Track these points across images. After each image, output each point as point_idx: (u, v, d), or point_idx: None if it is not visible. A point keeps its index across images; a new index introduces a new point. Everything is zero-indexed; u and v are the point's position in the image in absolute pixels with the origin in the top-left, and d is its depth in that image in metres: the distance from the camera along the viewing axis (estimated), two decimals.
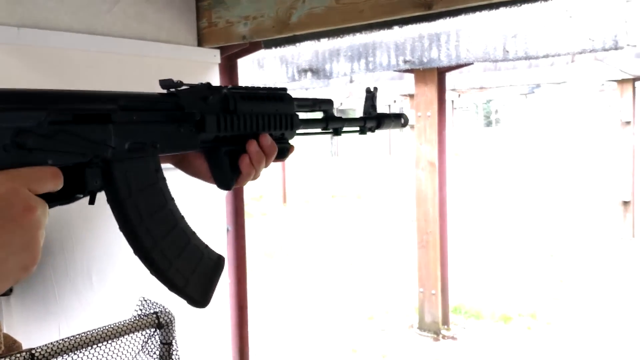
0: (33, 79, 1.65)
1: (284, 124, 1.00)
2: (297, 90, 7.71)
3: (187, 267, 0.80)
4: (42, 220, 0.58)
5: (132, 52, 1.91)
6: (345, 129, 1.15)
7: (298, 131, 1.05)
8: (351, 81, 8.57)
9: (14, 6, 1.63)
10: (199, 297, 0.81)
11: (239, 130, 0.92)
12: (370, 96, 1.17)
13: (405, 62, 4.76)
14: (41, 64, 1.68)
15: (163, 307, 1.14)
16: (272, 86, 1.02)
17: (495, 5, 2.08)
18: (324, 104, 1.10)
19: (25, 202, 0.56)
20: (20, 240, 0.56)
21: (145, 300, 1.14)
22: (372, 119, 1.17)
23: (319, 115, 1.13)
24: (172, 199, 0.80)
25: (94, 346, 1.04)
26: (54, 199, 0.64)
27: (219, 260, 0.86)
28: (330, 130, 1.13)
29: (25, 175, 0.58)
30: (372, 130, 1.19)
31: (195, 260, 0.81)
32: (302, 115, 1.06)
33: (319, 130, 1.12)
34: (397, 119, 1.22)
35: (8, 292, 0.60)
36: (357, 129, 1.17)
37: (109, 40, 1.84)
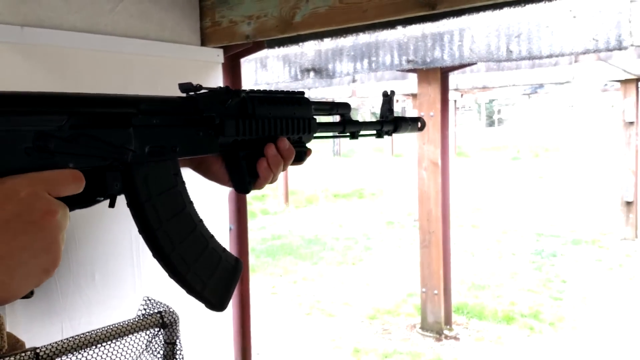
0: (37, 78, 1.65)
1: (302, 128, 1.00)
2: (300, 89, 7.69)
3: (205, 271, 0.80)
4: (62, 223, 0.59)
5: (135, 51, 1.91)
6: (362, 132, 1.15)
7: (316, 134, 1.05)
8: (354, 81, 8.57)
9: (18, 5, 1.63)
10: (217, 300, 0.81)
11: (257, 134, 0.92)
12: (387, 100, 1.17)
13: (408, 61, 4.75)
14: (45, 63, 1.68)
15: (167, 306, 1.14)
16: (291, 90, 1.02)
17: (499, 6, 2.08)
18: (342, 108, 1.11)
19: (46, 206, 0.57)
20: (41, 243, 0.56)
21: (149, 300, 1.14)
22: (389, 123, 1.17)
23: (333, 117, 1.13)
24: (191, 203, 0.80)
25: (98, 345, 1.04)
26: (74, 202, 0.65)
27: (236, 264, 0.86)
28: (347, 134, 1.13)
29: (46, 179, 0.58)
30: (389, 133, 1.19)
31: (213, 263, 0.82)
32: (320, 119, 1.07)
33: (336, 133, 1.12)
34: (414, 123, 1.21)
35: (29, 295, 0.60)
36: (374, 132, 1.17)
37: (113, 40, 1.85)
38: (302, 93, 1.03)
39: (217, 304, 0.81)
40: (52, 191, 0.58)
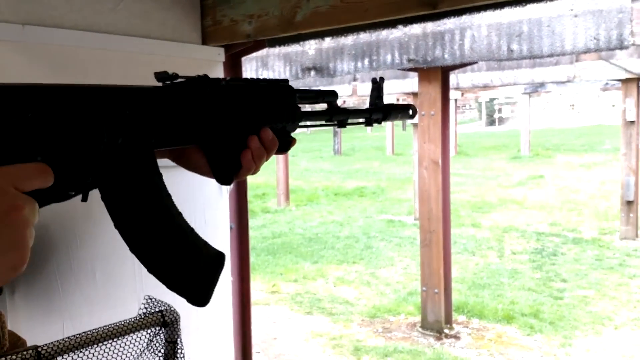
0: (38, 76, 1.65)
1: (285, 116, 0.97)
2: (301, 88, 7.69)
3: (185, 265, 0.77)
4: (30, 219, 0.56)
5: (136, 50, 1.91)
6: (350, 120, 1.11)
7: (301, 123, 1.02)
8: (355, 79, 8.57)
9: (19, 4, 1.63)
10: (199, 295, 0.78)
11: (238, 123, 0.89)
12: (377, 87, 1.13)
13: (409, 60, 4.75)
14: (46, 62, 1.68)
15: (168, 305, 1.14)
16: (274, 78, 0.99)
17: (500, 5, 2.08)
18: (328, 96, 1.06)
19: (11, 201, 0.54)
20: (7, 240, 0.54)
21: (151, 299, 1.14)
22: (379, 110, 1.13)
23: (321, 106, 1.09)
24: (169, 195, 0.77)
25: (100, 344, 1.04)
26: (45, 197, 0.62)
27: (218, 257, 0.82)
28: (335, 122, 1.09)
29: (11, 173, 0.56)
30: (378, 121, 1.14)
31: (194, 257, 0.79)
32: (306, 108, 1.04)
33: (323, 122, 1.08)
34: (404, 110, 1.17)
35: None
36: (363, 120, 1.13)
37: (114, 38, 1.85)
38: (286, 81, 1.00)
39: (198, 299, 0.78)
40: (18, 185, 0.56)
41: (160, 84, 0.81)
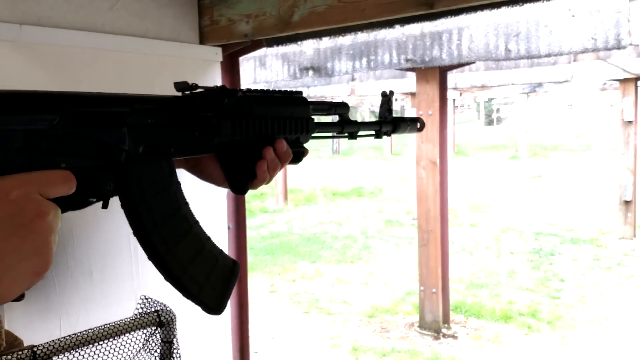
0: (35, 76, 1.65)
1: (300, 128, 0.99)
2: (299, 88, 7.70)
3: (201, 273, 0.78)
4: (54, 225, 0.57)
5: (134, 49, 1.91)
6: (360, 132, 1.14)
7: (314, 134, 1.04)
8: (353, 79, 8.57)
9: (16, 4, 1.63)
10: (214, 304, 0.79)
11: (254, 134, 0.90)
12: (387, 100, 1.15)
13: (407, 60, 4.76)
14: (43, 62, 1.68)
15: (164, 305, 1.14)
16: (288, 89, 1.00)
17: (497, 5, 2.08)
18: (340, 108, 1.09)
19: (36, 207, 0.55)
20: (31, 245, 0.55)
21: (147, 299, 1.14)
22: (388, 123, 1.16)
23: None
24: (187, 204, 0.79)
25: (96, 344, 1.04)
26: (66, 204, 0.63)
27: (233, 266, 0.84)
28: (346, 134, 1.12)
29: (36, 179, 0.57)
30: (387, 134, 1.18)
31: (209, 266, 0.80)
32: (319, 119, 1.06)
33: (335, 133, 1.11)
34: (413, 124, 1.20)
35: (20, 298, 0.58)
36: (373, 133, 1.16)
37: (111, 38, 1.84)
38: (300, 92, 1.02)
39: (214, 307, 0.80)
40: (43, 192, 0.56)
41: (179, 93, 0.83)
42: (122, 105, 0.71)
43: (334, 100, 1.13)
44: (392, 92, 1.16)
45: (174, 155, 0.78)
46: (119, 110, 0.70)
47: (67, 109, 0.63)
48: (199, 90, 0.83)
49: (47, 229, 0.56)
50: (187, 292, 0.77)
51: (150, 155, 0.73)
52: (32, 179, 0.56)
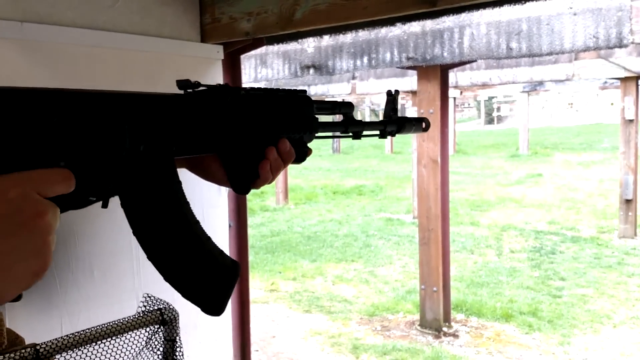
0: (36, 74, 1.64)
1: (303, 127, 0.98)
2: (300, 86, 7.70)
3: (201, 274, 0.78)
4: (53, 225, 0.56)
5: (135, 47, 1.91)
6: (365, 132, 1.13)
7: (317, 134, 1.03)
8: (354, 77, 8.57)
9: (18, 1, 1.62)
10: (214, 305, 0.78)
11: (256, 133, 0.90)
12: (392, 99, 1.14)
13: (408, 58, 4.75)
14: (44, 59, 1.68)
15: (167, 303, 1.14)
16: (292, 88, 1.00)
17: (499, 3, 2.08)
18: (344, 107, 1.08)
19: (35, 207, 0.54)
20: (30, 246, 0.54)
21: (149, 297, 1.14)
22: (393, 123, 1.14)
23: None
24: (187, 203, 0.78)
25: (98, 342, 1.03)
26: (66, 203, 0.62)
27: (234, 267, 0.83)
28: (350, 134, 1.11)
29: (35, 178, 0.56)
30: (392, 134, 1.16)
31: (209, 267, 0.79)
32: (322, 118, 1.05)
33: (338, 133, 1.10)
34: (418, 124, 1.19)
35: (18, 298, 0.57)
36: (377, 132, 1.15)
37: (112, 36, 1.84)
38: (304, 91, 1.01)
39: (214, 308, 0.78)
40: (42, 191, 0.55)
41: (181, 91, 0.82)
42: (124, 104, 0.70)
43: (335, 99, 1.12)
44: (397, 92, 1.15)
45: (176, 155, 0.77)
46: (119, 109, 0.69)
47: (68, 107, 0.62)
48: (201, 88, 0.82)
49: (45, 228, 0.55)
50: (187, 293, 0.77)
51: (151, 154, 0.73)
52: (31, 177, 0.55)
